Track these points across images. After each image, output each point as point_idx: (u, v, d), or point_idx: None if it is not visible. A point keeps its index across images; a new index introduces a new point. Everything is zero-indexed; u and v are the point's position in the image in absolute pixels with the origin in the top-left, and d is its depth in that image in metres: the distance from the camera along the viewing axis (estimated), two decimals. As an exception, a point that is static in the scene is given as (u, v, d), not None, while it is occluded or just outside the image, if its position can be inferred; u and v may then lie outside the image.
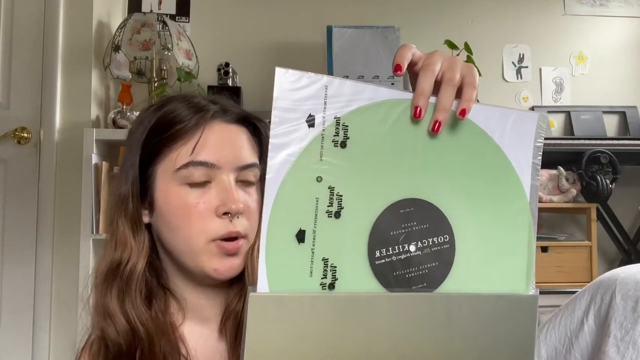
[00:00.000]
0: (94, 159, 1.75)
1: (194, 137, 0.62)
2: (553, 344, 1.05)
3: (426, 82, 0.48)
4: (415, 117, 0.47)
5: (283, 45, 2.31)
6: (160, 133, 0.63)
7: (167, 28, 1.96)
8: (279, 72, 0.48)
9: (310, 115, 0.46)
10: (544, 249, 1.94)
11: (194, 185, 0.61)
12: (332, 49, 2.14)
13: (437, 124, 0.48)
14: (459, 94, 0.49)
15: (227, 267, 0.61)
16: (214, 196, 0.61)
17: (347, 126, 0.46)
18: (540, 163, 0.50)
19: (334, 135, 0.46)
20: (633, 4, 2.48)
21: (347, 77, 2.10)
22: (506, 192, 0.49)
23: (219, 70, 2.02)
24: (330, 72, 2.11)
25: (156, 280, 0.67)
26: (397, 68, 0.48)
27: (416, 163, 0.48)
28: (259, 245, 0.61)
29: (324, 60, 2.16)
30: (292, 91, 0.47)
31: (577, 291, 1.12)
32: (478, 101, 0.57)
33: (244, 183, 0.64)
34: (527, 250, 0.50)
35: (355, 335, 0.45)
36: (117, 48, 1.92)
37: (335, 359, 0.44)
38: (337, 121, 0.46)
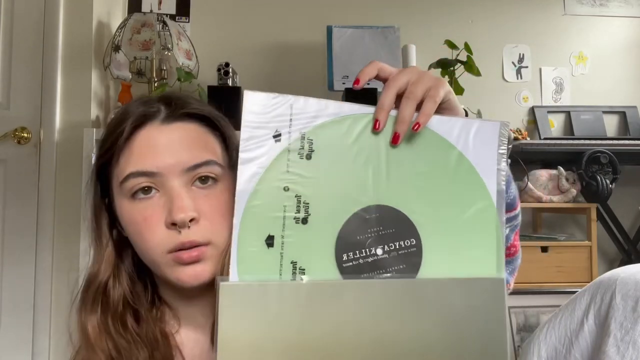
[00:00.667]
0: (94, 159, 1.75)
1: (127, 147, 0.58)
2: (553, 344, 1.05)
3: (387, 97, 0.51)
4: (375, 129, 0.50)
5: (283, 45, 2.31)
6: (103, 146, 0.61)
7: (167, 28, 1.96)
8: (247, 94, 0.50)
9: (277, 132, 0.50)
10: (544, 249, 1.94)
11: (139, 197, 0.58)
12: (332, 49, 2.14)
13: (396, 135, 0.51)
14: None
15: (189, 275, 0.57)
16: (161, 206, 0.57)
17: (312, 140, 0.50)
18: (505, 169, 0.52)
19: (300, 149, 0.50)
20: (633, 4, 2.48)
21: (347, 77, 2.10)
22: (471, 195, 0.51)
23: (219, 70, 2.02)
24: (330, 71, 2.11)
25: (151, 290, 0.66)
26: (355, 82, 0.52)
27: (380, 172, 0.50)
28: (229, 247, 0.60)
29: (324, 60, 2.16)
30: (260, 110, 0.50)
31: (577, 291, 1.12)
32: (466, 114, 0.59)
33: (202, 182, 0.59)
34: (495, 250, 0.51)
35: (323, 320, 0.46)
36: (117, 48, 1.92)
37: (305, 344, 0.46)
38: (303, 136, 0.50)
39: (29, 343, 1.84)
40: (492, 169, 0.52)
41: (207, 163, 0.59)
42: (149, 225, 0.57)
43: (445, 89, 0.53)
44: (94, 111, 1.96)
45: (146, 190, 0.58)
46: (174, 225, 0.56)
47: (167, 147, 0.58)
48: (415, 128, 0.50)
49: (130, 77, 1.99)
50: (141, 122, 0.59)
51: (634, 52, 2.46)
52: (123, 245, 0.64)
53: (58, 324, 1.85)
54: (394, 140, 0.51)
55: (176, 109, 0.61)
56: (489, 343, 0.48)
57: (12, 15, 1.94)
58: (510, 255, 0.65)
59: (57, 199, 1.88)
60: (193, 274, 0.57)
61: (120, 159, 0.59)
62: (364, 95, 1.97)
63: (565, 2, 2.45)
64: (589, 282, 1.13)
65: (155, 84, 1.96)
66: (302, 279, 0.48)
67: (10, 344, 1.84)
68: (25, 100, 1.91)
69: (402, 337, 0.47)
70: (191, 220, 0.56)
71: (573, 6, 2.46)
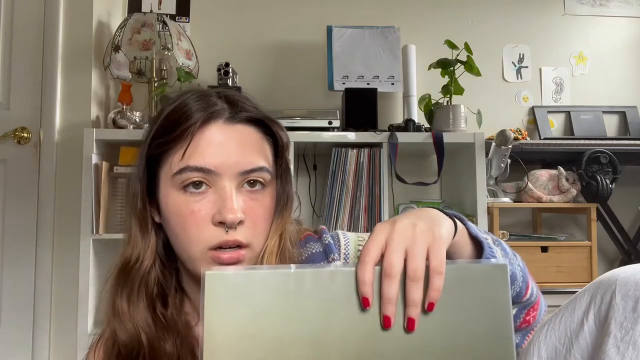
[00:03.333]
0: (94, 159, 1.75)
1: (189, 141, 0.59)
2: (553, 344, 1.05)
3: (391, 290, 0.45)
4: (386, 326, 0.45)
5: (283, 45, 2.31)
6: (162, 134, 0.61)
7: (167, 28, 1.96)
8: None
9: None
10: (544, 249, 1.94)
11: (191, 191, 0.59)
12: (332, 49, 2.14)
13: (411, 321, 0.45)
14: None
15: None
16: (212, 203, 0.59)
17: None
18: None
19: None
20: (633, 4, 2.48)
21: (346, 77, 2.10)
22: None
23: (219, 70, 2.02)
24: (330, 71, 2.11)
25: (175, 278, 0.67)
26: (364, 303, 0.45)
27: None
28: (267, 251, 0.59)
29: (324, 60, 2.16)
30: None
31: (577, 291, 1.12)
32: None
33: (250, 186, 0.61)
34: None
35: (313, 310, 0.45)
36: (117, 48, 1.92)
37: (294, 334, 0.44)
38: None
39: (29, 342, 1.84)
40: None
41: (260, 169, 0.61)
42: (195, 220, 0.59)
43: (443, 241, 0.48)
44: (94, 111, 1.96)
45: (197, 184, 0.59)
46: (221, 224, 0.58)
47: (226, 147, 0.60)
48: (430, 308, 0.45)
49: (130, 77, 1.99)
50: (207, 118, 0.60)
51: (634, 52, 2.46)
52: (156, 231, 0.66)
53: (58, 324, 1.85)
54: (410, 327, 0.45)
55: (240, 111, 0.62)
56: (494, 332, 0.46)
57: (12, 15, 1.94)
58: (522, 327, 0.66)
59: (57, 199, 1.88)
60: None
61: (180, 151, 0.59)
62: (364, 96, 1.98)
63: (565, 2, 2.45)
64: (589, 282, 1.13)
65: (155, 84, 1.96)
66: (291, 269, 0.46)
67: (10, 343, 1.84)
68: (25, 100, 1.91)
69: (398, 328, 0.45)
70: (239, 223, 0.58)
71: (573, 6, 2.46)
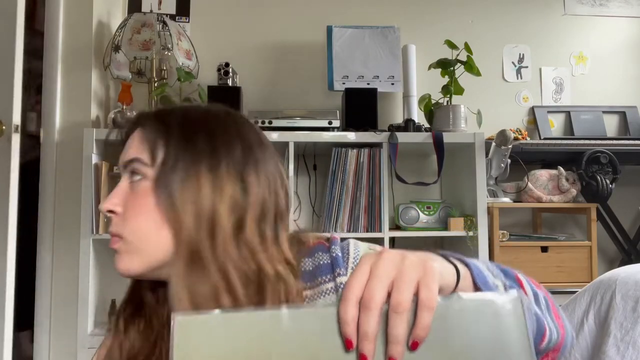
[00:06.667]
0: (94, 159, 1.75)
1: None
2: (553, 344, 1.04)
3: (369, 324, 0.40)
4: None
5: (283, 45, 2.31)
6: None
7: (167, 28, 1.96)
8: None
9: None
10: (544, 249, 1.94)
11: None
12: (332, 49, 2.14)
13: None
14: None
15: (115, 262, 0.61)
16: None
17: None
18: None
19: None
20: (633, 4, 2.48)
21: (346, 77, 2.10)
22: None
23: (219, 70, 2.02)
24: (330, 71, 2.11)
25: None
26: (348, 345, 0.41)
27: None
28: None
29: (324, 60, 2.16)
30: None
31: (577, 291, 1.12)
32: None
33: (132, 177, 0.62)
34: None
35: (295, 352, 0.41)
36: (117, 48, 1.92)
37: None
38: None
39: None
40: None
41: (132, 160, 0.62)
42: None
43: (435, 274, 0.43)
44: (94, 111, 1.96)
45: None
46: None
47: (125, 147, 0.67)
48: (414, 347, 0.40)
49: (130, 77, 1.99)
50: (129, 129, 0.67)
51: (634, 52, 2.46)
52: None
53: (58, 323, 1.85)
54: None
55: (136, 119, 0.68)
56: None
57: (12, 15, 1.94)
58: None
59: (57, 199, 1.88)
60: (116, 262, 0.62)
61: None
62: (364, 96, 1.98)
63: (565, 2, 2.45)
64: (589, 282, 1.13)
65: (155, 84, 1.96)
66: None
67: (10, 343, 1.84)
68: None
69: None
70: (110, 212, 0.62)
71: (573, 6, 2.46)
